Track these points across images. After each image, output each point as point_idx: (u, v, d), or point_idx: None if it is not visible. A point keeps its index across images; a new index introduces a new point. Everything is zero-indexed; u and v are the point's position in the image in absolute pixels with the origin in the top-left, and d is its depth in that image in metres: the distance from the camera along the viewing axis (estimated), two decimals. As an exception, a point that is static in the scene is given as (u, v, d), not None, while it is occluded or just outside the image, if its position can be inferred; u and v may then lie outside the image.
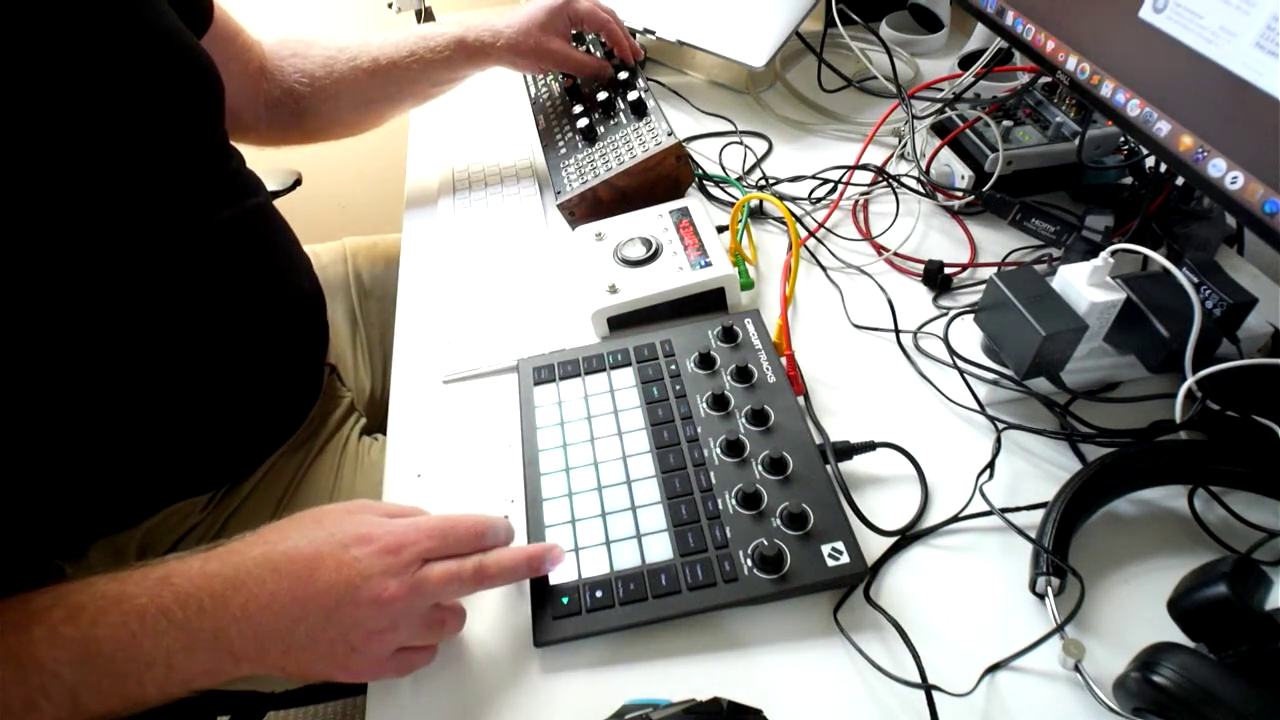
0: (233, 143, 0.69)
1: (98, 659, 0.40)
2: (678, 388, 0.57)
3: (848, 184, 0.77)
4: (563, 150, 0.79)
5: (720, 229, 0.71)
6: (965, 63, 0.90)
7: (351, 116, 0.79)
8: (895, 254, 0.71)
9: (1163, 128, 0.51)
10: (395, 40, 0.76)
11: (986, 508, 0.50)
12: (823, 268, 0.71)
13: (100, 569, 0.43)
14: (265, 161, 0.76)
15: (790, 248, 0.67)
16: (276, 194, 1.03)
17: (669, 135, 0.71)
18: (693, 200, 0.72)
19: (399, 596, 0.41)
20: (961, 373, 0.58)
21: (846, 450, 0.54)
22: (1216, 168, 0.48)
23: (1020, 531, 0.49)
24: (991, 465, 0.52)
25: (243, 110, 0.73)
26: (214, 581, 0.41)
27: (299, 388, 0.72)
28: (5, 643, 0.40)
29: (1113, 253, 0.53)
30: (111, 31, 0.52)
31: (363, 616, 0.41)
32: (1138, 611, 0.46)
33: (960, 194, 0.74)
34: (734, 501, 0.50)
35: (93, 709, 0.40)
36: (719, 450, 0.52)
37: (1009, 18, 0.65)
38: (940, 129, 0.78)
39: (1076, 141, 0.70)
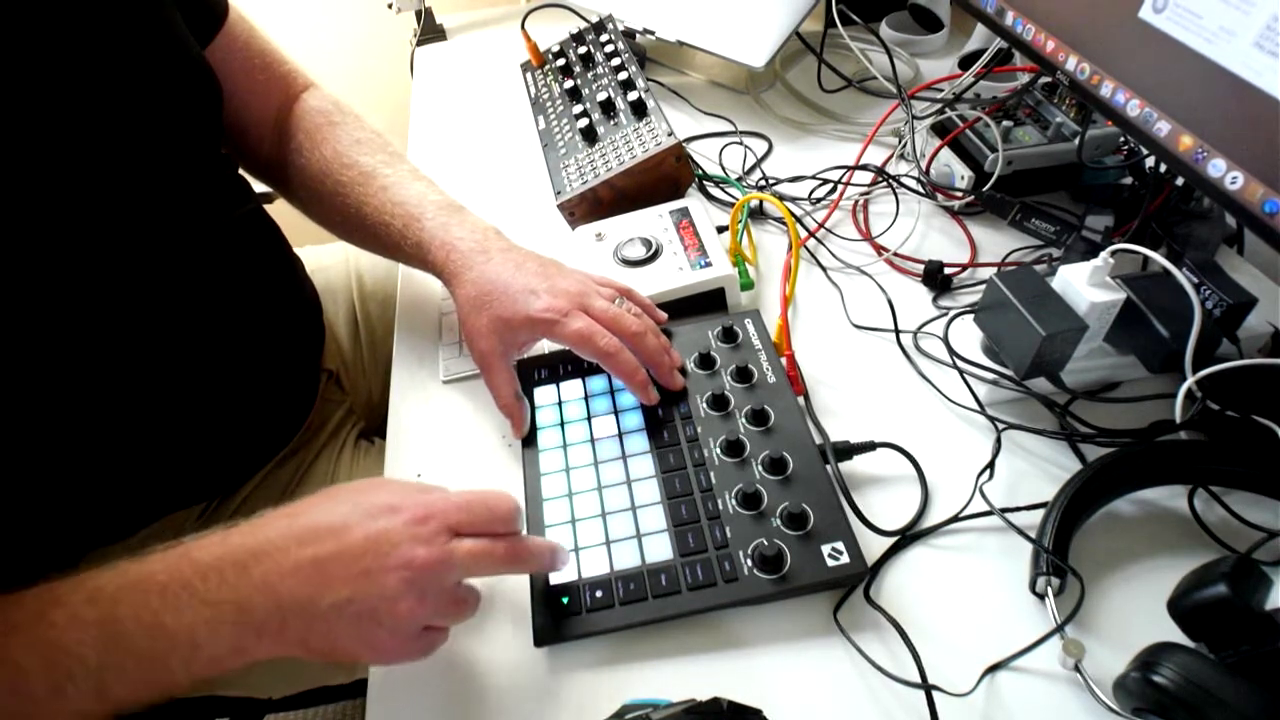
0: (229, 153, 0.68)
1: (121, 639, 0.39)
2: (678, 388, 0.57)
3: (848, 184, 0.77)
4: (563, 150, 0.79)
5: (720, 229, 0.71)
6: (965, 63, 0.90)
7: (318, 216, 0.72)
8: (895, 254, 0.71)
9: (1162, 128, 0.51)
10: (391, 199, 0.63)
11: (986, 508, 0.50)
12: (823, 268, 0.71)
13: None
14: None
15: (790, 248, 0.67)
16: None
17: (669, 135, 0.71)
18: (693, 200, 0.72)
19: (428, 565, 0.40)
20: (961, 373, 0.58)
21: (846, 450, 0.54)
22: (1216, 168, 0.48)
23: (1020, 531, 0.49)
24: (991, 465, 0.52)
25: (247, 130, 0.70)
26: (236, 552, 0.41)
27: (295, 395, 0.72)
28: (28, 630, 0.39)
29: (1113, 253, 0.53)
30: (112, 32, 0.52)
31: (390, 585, 0.40)
32: (1138, 611, 0.46)
33: (960, 194, 0.74)
34: (734, 501, 0.50)
35: (119, 694, 0.39)
36: (719, 450, 0.52)
37: (1009, 18, 0.65)
38: (940, 129, 0.78)
39: (1076, 141, 0.70)
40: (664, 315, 0.61)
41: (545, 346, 0.63)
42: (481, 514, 0.43)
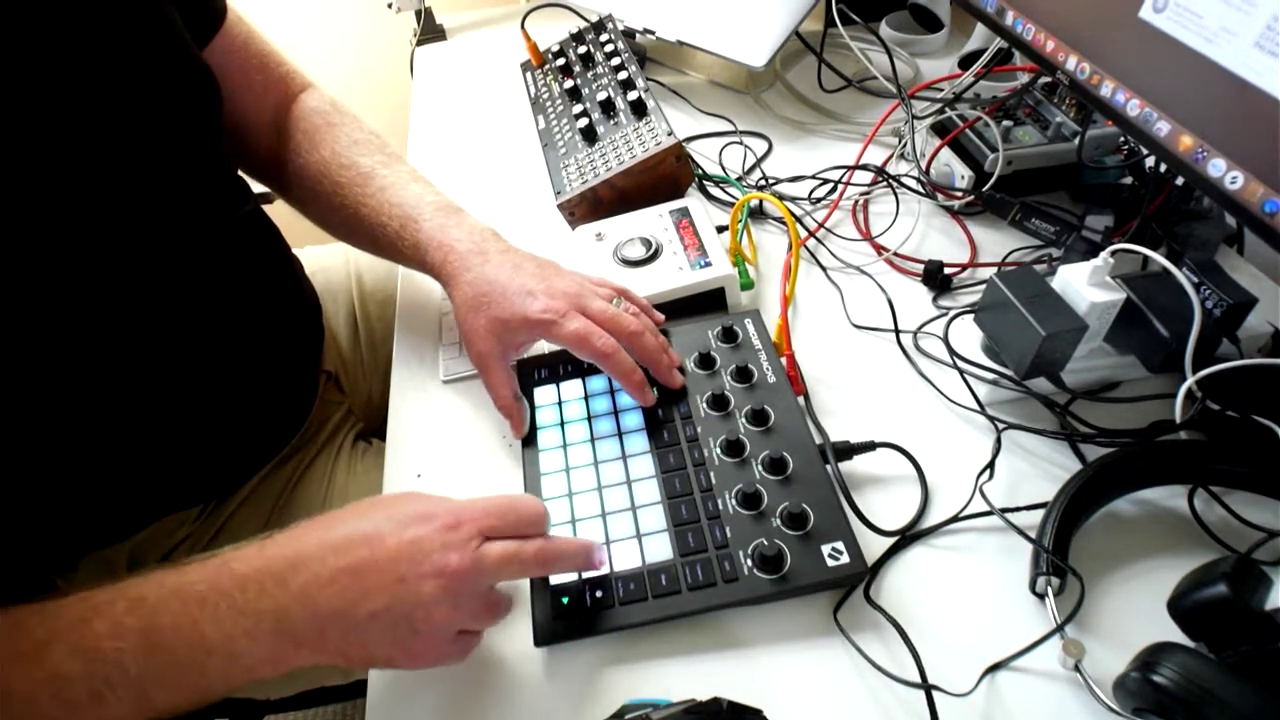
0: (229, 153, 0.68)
1: (161, 649, 0.39)
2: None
3: (848, 184, 0.77)
4: (563, 150, 0.79)
5: (720, 229, 0.71)
6: (965, 63, 0.90)
7: (315, 217, 0.71)
8: (895, 254, 0.71)
9: (1163, 128, 0.51)
10: (389, 200, 0.63)
11: (986, 508, 0.50)
12: (823, 268, 0.71)
13: (90, 583, 0.42)
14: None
15: (790, 248, 0.67)
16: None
17: (669, 135, 0.71)
18: (693, 200, 0.72)
19: (461, 571, 0.41)
20: (961, 373, 0.58)
21: (846, 450, 0.54)
22: (1216, 168, 0.48)
23: (1020, 531, 0.49)
24: (991, 465, 0.52)
25: (245, 130, 0.70)
26: (274, 563, 0.41)
27: (294, 397, 0.72)
28: (69, 637, 0.39)
29: (1113, 253, 0.53)
30: (111, 32, 0.52)
31: (425, 593, 0.40)
32: (1138, 611, 0.46)
33: (960, 194, 0.74)
34: (734, 501, 0.50)
35: (158, 701, 0.40)
36: (719, 450, 0.52)
37: (1009, 18, 0.65)
38: (940, 129, 0.78)
39: (1076, 141, 0.70)
40: (661, 317, 0.61)
41: (547, 346, 0.63)
42: (510, 518, 0.44)
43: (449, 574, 0.41)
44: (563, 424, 0.57)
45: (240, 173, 0.70)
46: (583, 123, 0.78)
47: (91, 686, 0.39)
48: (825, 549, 0.47)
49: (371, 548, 0.41)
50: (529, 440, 0.56)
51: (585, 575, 0.48)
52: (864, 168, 0.78)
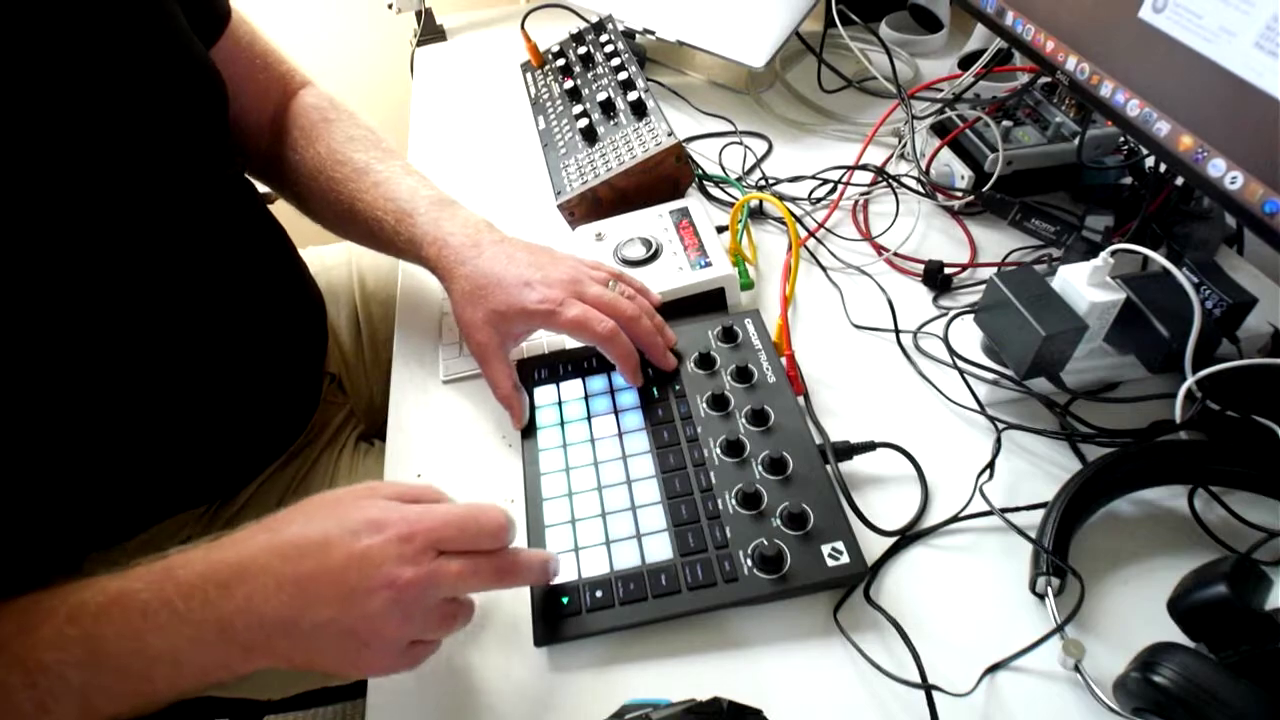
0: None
1: (104, 658, 0.39)
2: (677, 388, 0.57)
3: (848, 184, 0.77)
4: (563, 150, 0.79)
5: (720, 229, 0.71)
6: (965, 63, 0.90)
7: (312, 212, 0.72)
8: (895, 254, 0.71)
9: (1162, 128, 0.51)
10: (384, 195, 0.64)
11: (986, 508, 0.50)
12: (823, 268, 0.71)
13: None
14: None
15: (790, 248, 0.67)
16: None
17: (669, 135, 0.71)
18: (693, 200, 0.72)
19: (412, 585, 0.39)
20: (961, 373, 0.58)
21: (846, 450, 0.54)
22: (1216, 168, 0.48)
23: (1020, 531, 0.49)
24: (991, 465, 0.52)
25: (247, 128, 0.70)
26: (219, 570, 0.40)
27: (298, 398, 0.72)
28: (11, 647, 0.39)
29: (1113, 253, 0.53)
30: (121, 34, 0.52)
31: (373, 606, 0.39)
32: (1138, 611, 0.46)
33: (960, 194, 0.74)
34: (734, 501, 0.50)
35: (104, 709, 0.39)
36: (719, 450, 0.52)
37: (1009, 18, 0.65)
38: (940, 129, 0.78)
39: (1076, 141, 0.70)
40: (658, 298, 0.61)
41: (547, 346, 0.64)
42: (470, 530, 0.42)
43: (399, 587, 0.39)
44: (563, 424, 0.57)
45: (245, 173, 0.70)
46: (583, 123, 0.78)
47: (34, 697, 0.38)
48: (825, 549, 0.47)
49: (318, 557, 0.40)
50: (528, 433, 0.56)
51: (585, 576, 0.48)
52: (864, 168, 0.78)
